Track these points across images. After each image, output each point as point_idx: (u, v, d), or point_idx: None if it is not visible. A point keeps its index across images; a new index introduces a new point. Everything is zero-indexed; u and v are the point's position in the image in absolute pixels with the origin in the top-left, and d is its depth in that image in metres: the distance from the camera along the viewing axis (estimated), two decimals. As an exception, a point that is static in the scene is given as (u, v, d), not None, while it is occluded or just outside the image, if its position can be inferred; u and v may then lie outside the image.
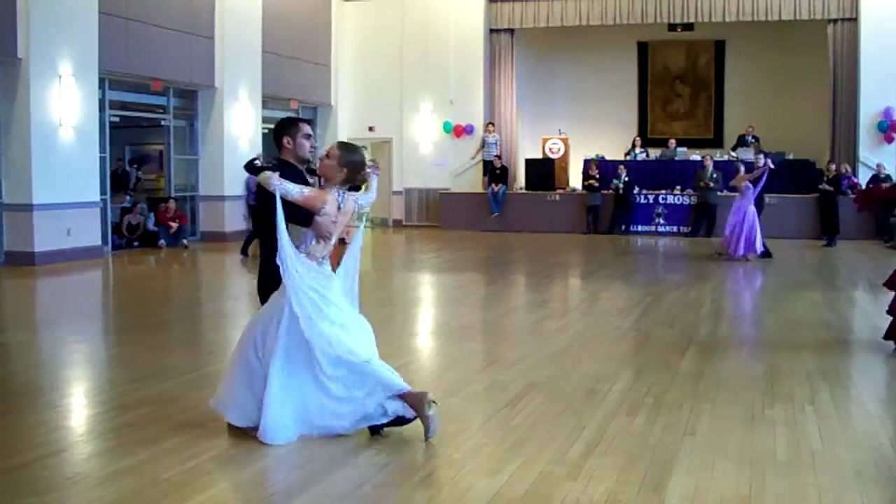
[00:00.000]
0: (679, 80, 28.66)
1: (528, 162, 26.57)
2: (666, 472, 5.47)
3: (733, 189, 18.85)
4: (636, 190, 24.42)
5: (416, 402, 6.05)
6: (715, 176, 23.21)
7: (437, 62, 26.45)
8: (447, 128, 26.58)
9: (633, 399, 7.24)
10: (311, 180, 6.51)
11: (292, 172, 6.34)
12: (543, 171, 25.86)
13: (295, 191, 5.98)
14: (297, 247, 6.06)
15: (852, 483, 5.38)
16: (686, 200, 24.15)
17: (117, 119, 20.44)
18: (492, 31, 26.82)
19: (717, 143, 27.34)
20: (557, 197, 25.29)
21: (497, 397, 7.34)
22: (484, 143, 26.03)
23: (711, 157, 24.02)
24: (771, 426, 6.50)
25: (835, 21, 24.33)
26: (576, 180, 25.99)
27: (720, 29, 26.77)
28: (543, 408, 7.00)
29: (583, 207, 24.65)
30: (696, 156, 25.15)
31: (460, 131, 26.49)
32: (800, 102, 26.11)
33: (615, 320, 11.24)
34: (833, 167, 22.61)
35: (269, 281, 6.34)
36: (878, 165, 22.68)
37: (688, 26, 26.75)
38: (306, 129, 6.68)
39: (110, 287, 15.92)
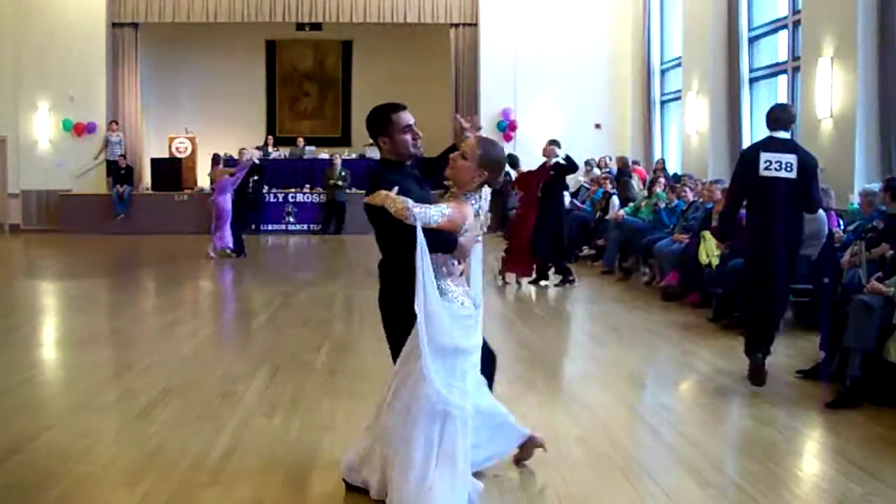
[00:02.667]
0: (307, 78, 28.92)
1: (154, 161, 25.70)
2: (307, 469, 5.47)
3: (213, 181, 18.72)
4: (266, 189, 24.32)
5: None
6: (343, 174, 23.62)
7: (56, 56, 24.89)
8: (67, 126, 25.19)
9: (271, 399, 7.19)
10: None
11: (402, 174, 5.21)
12: (170, 171, 25.18)
13: (436, 216, 4.79)
14: (437, 278, 4.86)
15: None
16: (315, 199, 24.38)
17: None
18: (114, 24, 25.66)
19: (345, 141, 27.76)
20: (185, 197, 24.63)
21: (130, 406, 7.02)
22: (107, 143, 24.88)
23: (340, 156, 24.47)
24: (407, 417, 6.64)
25: (457, 25, 25.42)
26: (204, 180, 25.41)
27: (348, 30, 27.23)
28: (179, 414, 6.80)
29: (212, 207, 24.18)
30: (324, 154, 25.47)
31: (81, 130, 25.19)
32: (425, 103, 26.71)
33: (248, 321, 11.13)
34: (455, 166, 23.61)
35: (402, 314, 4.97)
36: (496, 163, 23.93)
37: (316, 26, 27.04)
38: (406, 118, 5.49)
39: None
